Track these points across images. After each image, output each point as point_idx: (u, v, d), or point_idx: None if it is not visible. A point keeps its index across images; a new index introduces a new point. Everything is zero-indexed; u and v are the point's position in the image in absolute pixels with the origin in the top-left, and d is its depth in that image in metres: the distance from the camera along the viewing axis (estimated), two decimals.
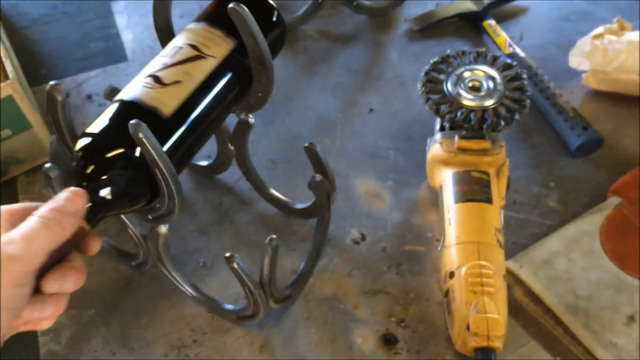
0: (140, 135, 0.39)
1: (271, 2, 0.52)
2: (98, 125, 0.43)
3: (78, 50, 0.81)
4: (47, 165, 0.48)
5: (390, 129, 0.71)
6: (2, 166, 0.64)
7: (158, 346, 0.55)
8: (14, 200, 0.65)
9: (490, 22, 0.79)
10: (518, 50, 0.75)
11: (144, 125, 0.39)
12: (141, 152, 0.40)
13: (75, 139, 0.43)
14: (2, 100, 0.59)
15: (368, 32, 0.81)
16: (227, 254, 0.47)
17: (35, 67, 0.78)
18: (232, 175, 0.65)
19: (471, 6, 0.81)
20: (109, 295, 0.58)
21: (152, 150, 0.39)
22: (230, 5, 0.45)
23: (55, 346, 0.55)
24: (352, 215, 0.63)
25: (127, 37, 0.81)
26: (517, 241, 0.60)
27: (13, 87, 0.59)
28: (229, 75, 0.49)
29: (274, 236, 0.48)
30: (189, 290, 0.55)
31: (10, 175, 0.66)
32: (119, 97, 0.45)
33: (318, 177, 0.53)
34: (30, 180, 0.66)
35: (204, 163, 0.65)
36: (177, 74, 0.45)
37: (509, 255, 0.56)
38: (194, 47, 0.47)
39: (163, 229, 0.49)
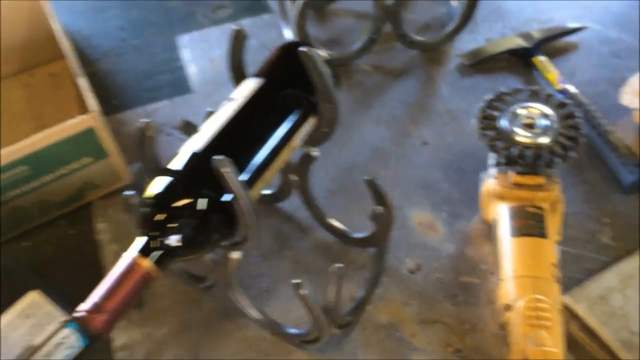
0: (223, 169, 0.42)
1: (326, 54, 0.56)
2: (172, 174, 0.47)
3: (147, 82, 0.86)
4: (128, 192, 0.52)
5: (443, 161, 0.73)
6: (80, 191, 0.69)
7: None
8: (89, 222, 0.70)
9: (541, 58, 0.81)
10: (569, 87, 0.76)
11: (227, 160, 0.43)
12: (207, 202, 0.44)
13: (157, 172, 0.47)
14: (84, 132, 0.64)
15: (420, 67, 0.84)
16: (295, 281, 0.50)
17: (107, 97, 0.83)
18: (291, 203, 0.69)
19: (521, 42, 0.83)
20: (179, 315, 0.62)
21: (233, 183, 0.43)
22: (302, 48, 0.49)
23: None
24: (406, 245, 0.66)
25: (192, 70, 0.86)
26: (572, 276, 0.61)
27: (95, 120, 0.64)
28: (297, 115, 0.52)
29: (341, 265, 0.50)
30: (254, 314, 0.58)
31: (86, 199, 0.70)
32: (193, 148, 0.48)
33: (379, 209, 0.56)
34: (105, 204, 0.71)
35: (267, 192, 0.68)
36: None
37: (565, 290, 0.58)
38: None
39: (235, 254, 0.52)
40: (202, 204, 0.46)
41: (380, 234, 0.59)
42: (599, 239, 0.65)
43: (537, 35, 0.83)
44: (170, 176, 0.47)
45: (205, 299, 0.63)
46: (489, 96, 0.65)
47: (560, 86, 0.77)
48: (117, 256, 0.44)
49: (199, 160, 0.47)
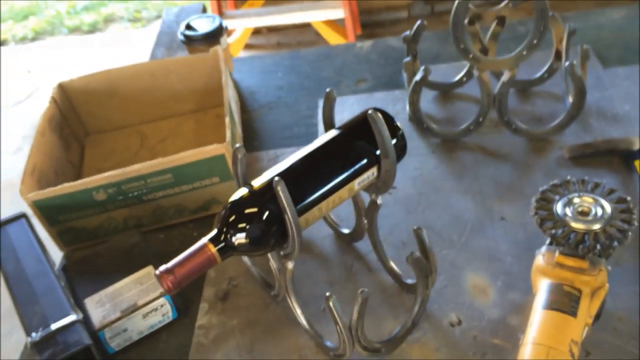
0: (278, 187, 0.56)
1: (398, 124, 0.67)
2: (250, 188, 0.61)
3: (285, 131, 1.04)
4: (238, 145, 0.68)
5: (514, 238, 0.79)
6: (207, 204, 0.87)
7: (272, 358, 0.70)
8: (210, 229, 0.87)
9: None
10: None
11: (282, 182, 0.56)
12: (267, 214, 0.58)
13: (242, 184, 0.62)
14: (217, 157, 0.82)
15: (522, 153, 0.91)
16: (328, 293, 0.61)
17: (252, 138, 1.03)
18: (367, 245, 0.79)
19: (628, 144, 0.86)
20: (251, 313, 0.75)
21: (284, 200, 0.56)
22: (370, 111, 0.62)
23: (204, 340, 0.74)
24: (455, 302, 0.72)
25: (321, 127, 1.02)
26: None
27: (226, 149, 0.82)
28: (362, 163, 0.64)
29: (366, 289, 0.60)
30: (304, 322, 0.70)
31: (211, 211, 0.89)
32: (272, 173, 0.63)
33: (417, 254, 0.64)
34: None
35: (346, 231, 0.80)
36: None
37: None
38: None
39: (290, 264, 0.65)
40: (264, 214, 0.60)
41: (418, 279, 0.67)
42: None
43: None
44: (249, 190, 0.62)
45: (273, 306, 0.76)
46: (554, 181, 0.70)
47: None
48: None
49: (271, 182, 0.61)
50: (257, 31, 2.84)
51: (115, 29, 3.36)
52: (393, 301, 0.74)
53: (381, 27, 2.80)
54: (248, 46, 2.80)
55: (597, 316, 0.65)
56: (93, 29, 3.37)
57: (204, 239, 0.60)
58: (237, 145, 0.64)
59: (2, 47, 3.36)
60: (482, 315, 0.71)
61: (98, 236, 0.86)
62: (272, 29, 2.89)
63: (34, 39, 3.38)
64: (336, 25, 2.60)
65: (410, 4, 2.75)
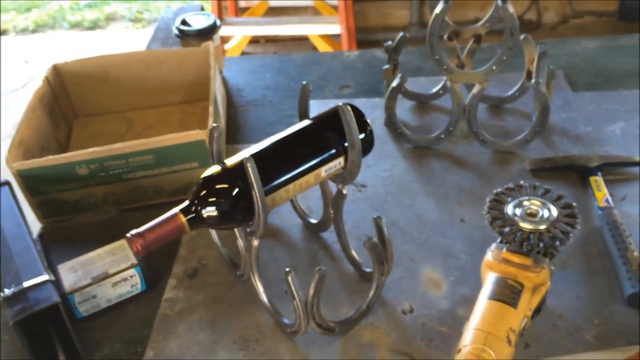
0: (248, 164, 0.61)
1: (368, 121, 0.72)
2: (223, 165, 0.66)
3: (268, 128, 1.08)
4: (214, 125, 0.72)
5: (471, 238, 0.83)
6: (185, 187, 0.91)
7: (232, 334, 0.74)
8: None
9: (597, 178, 0.88)
10: (612, 205, 0.83)
11: (252, 160, 0.61)
12: (236, 191, 0.63)
13: (216, 162, 0.67)
14: (197, 142, 0.87)
15: (486, 163, 0.96)
16: (287, 269, 0.65)
17: (235, 131, 1.08)
18: (333, 236, 0.84)
19: (585, 161, 0.91)
20: (216, 290, 0.79)
21: (252, 177, 0.61)
22: (340, 103, 0.66)
23: (169, 311, 0.77)
24: (410, 292, 0.77)
25: None
26: (540, 355, 0.68)
27: (206, 135, 0.86)
28: (330, 152, 0.69)
29: (323, 267, 0.64)
30: (264, 299, 0.74)
31: (187, 195, 0.92)
32: (244, 154, 0.67)
33: (374, 240, 0.69)
34: None
35: (314, 221, 0.85)
36: None
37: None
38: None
39: (255, 242, 0.69)
40: (234, 191, 0.64)
41: (374, 265, 0.71)
42: (582, 335, 0.70)
43: (599, 160, 0.90)
44: (221, 167, 0.66)
45: (238, 285, 0.80)
46: (508, 185, 0.75)
47: (604, 204, 0.83)
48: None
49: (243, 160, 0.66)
50: (254, 40, 2.90)
51: (116, 28, 3.42)
52: (351, 288, 0.78)
53: (376, 45, 2.86)
54: (244, 54, 2.85)
55: (538, 310, 0.70)
56: (94, 26, 3.42)
57: (175, 209, 0.64)
58: (214, 124, 0.69)
59: (2, 37, 3.40)
60: (433, 305, 0.75)
61: (77, 210, 0.90)
62: (269, 40, 2.95)
63: (34, 31, 3.42)
64: (332, 40, 2.67)
65: (406, 25, 2.82)
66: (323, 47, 2.65)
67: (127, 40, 3.26)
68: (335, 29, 2.49)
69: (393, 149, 1.00)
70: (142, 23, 3.42)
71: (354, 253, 0.79)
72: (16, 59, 3.16)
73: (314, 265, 0.81)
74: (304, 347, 0.71)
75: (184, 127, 1.07)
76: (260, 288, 0.74)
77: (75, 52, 3.10)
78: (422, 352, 0.70)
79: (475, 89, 0.92)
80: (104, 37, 3.32)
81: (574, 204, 0.72)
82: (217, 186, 0.65)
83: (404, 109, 1.08)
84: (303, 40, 2.83)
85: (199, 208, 0.64)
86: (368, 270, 0.77)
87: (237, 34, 2.66)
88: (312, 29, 2.56)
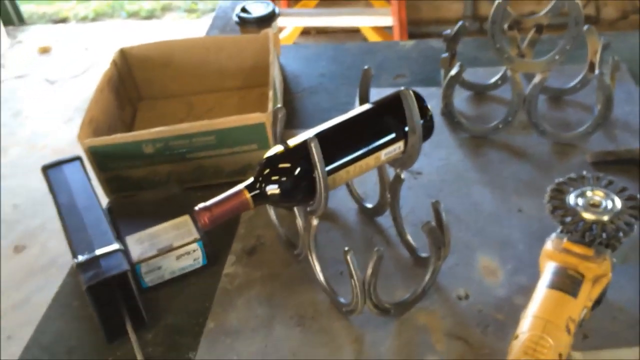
0: (312, 144, 0.62)
1: (429, 106, 0.73)
2: (286, 145, 0.67)
3: (324, 114, 1.10)
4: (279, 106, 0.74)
5: (529, 228, 0.83)
6: (244, 168, 0.94)
7: (288, 310, 0.76)
8: None
9: None
10: None
11: (316, 140, 0.62)
12: (298, 170, 0.64)
13: (279, 142, 0.69)
14: (258, 124, 0.89)
15: (546, 155, 0.95)
16: (346, 248, 0.66)
17: (292, 117, 1.10)
18: (388, 221, 0.84)
19: None
20: (274, 267, 0.81)
21: (316, 157, 0.62)
22: (402, 88, 0.67)
23: (229, 286, 0.80)
24: (465, 279, 0.77)
25: None
26: (598, 344, 0.67)
27: (267, 118, 0.89)
28: (391, 136, 0.70)
29: (381, 248, 0.65)
30: (321, 279, 0.75)
31: (246, 176, 0.94)
32: (307, 134, 0.69)
33: (432, 224, 0.69)
34: None
35: (370, 206, 0.86)
36: None
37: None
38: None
39: (314, 221, 0.71)
40: (296, 170, 0.66)
41: (431, 249, 0.71)
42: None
43: None
44: (284, 147, 0.68)
45: (295, 264, 0.81)
46: (570, 175, 0.75)
47: None
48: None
49: (306, 142, 0.67)
50: (306, 32, 2.92)
51: (171, 18, 3.49)
52: (406, 272, 0.79)
53: (427, 38, 2.85)
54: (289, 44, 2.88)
55: (598, 302, 0.69)
56: (150, 15, 3.51)
57: (241, 185, 0.66)
58: (278, 106, 0.71)
59: (63, 25, 3.53)
60: (489, 292, 0.75)
61: (141, 187, 0.93)
62: (320, 31, 2.97)
63: (93, 20, 3.54)
64: (384, 32, 2.66)
65: (459, 18, 2.79)
66: (374, 39, 2.65)
67: (182, 30, 3.33)
68: (388, 21, 2.48)
69: (449, 138, 1.00)
70: (197, 14, 3.49)
71: (409, 238, 0.80)
72: (77, 46, 3.28)
73: (369, 249, 0.82)
74: (359, 327, 0.73)
75: (242, 112, 1.09)
76: (317, 267, 0.75)
77: (132, 40, 3.19)
78: (478, 338, 0.70)
79: (537, 79, 0.91)
80: (160, 27, 3.40)
81: (639, 196, 0.71)
82: (280, 165, 0.67)
83: (460, 99, 1.08)
84: (354, 32, 2.83)
85: (263, 185, 0.66)
86: (423, 255, 0.78)
87: (289, 25, 2.68)
88: (364, 21, 2.57)
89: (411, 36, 2.75)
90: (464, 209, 0.87)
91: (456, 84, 0.97)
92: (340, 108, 1.11)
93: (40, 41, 3.33)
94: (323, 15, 2.56)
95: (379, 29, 2.64)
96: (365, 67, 0.75)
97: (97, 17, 3.55)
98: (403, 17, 2.54)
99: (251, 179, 0.67)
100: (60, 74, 3.03)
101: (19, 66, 3.15)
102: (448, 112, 0.99)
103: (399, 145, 0.72)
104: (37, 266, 2.04)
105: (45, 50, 3.25)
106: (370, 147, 0.70)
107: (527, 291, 0.74)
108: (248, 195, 0.65)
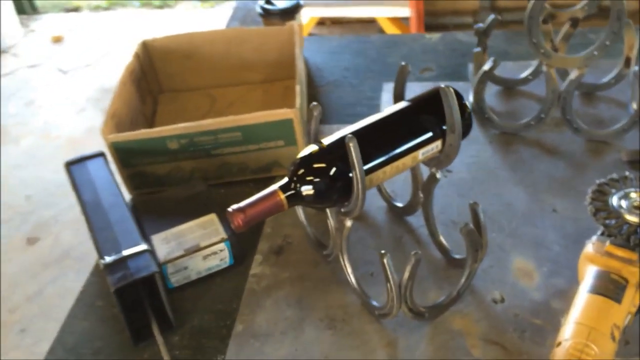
0: (351, 144, 0.60)
1: (467, 104, 0.70)
2: (320, 145, 0.65)
3: (348, 109, 1.08)
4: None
5: (564, 229, 0.81)
6: (269, 165, 0.92)
7: (318, 311, 0.74)
8: None
9: None
10: None
11: (355, 139, 0.60)
12: (334, 171, 0.62)
13: (315, 142, 0.66)
14: (285, 120, 0.87)
15: (579, 152, 0.92)
16: (383, 251, 0.64)
17: None
18: (418, 220, 0.82)
19: None
20: (302, 268, 0.79)
21: (354, 156, 0.60)
22: (442, 85, 0.65)
23: (256, 287, 0.78)
24: (500, 281, 0.75)
25: (383, 108, 1.06)
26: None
27: (295, 114, 0.86)
28: (428, 135, 0.68)
29: (419, 252, 0.63)
30: (353, 281, 0.73)
31: (271, 174, 0.93)
32: (342, 133, 0.67)
33: (470, 226, 0.67)
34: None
35: (400, 205, 0.83)
36: None
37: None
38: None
39: (348, 222, 0.69)
40: (332, 170, 0.64)
41: (468, 252, 0.69)
42: None
43: None
44: (319, 147, 0.66)
45: (323, 265, 0.79)
46: (612, 175, 0.72)
47: None
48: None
49: (342, 141, 0.65)
50: (320, 22, 2.89)
51: (184, 7, 3.47)
52: (439, 274, 0.77)
53: (445, 30, 2.81)
54: (311, 36, 2.85)
55: None
56: (163, 4, 3.48)
57: (275, 186, 0.64)
58: (314, 103, 0.68)
59: (76, 14, 3.51)
60: (525, 296, 0.73)
61: (164, 183, 0.92)
62: (336, 22, 2.93)
63: (106, 9, 3.51)
64: (401, 23, 2.63)
65: (476, 10, 2.75)
66: (391, 29, 2.61)
67: (195, 19, 3.30)
68: (405, 11, 2.45)
69: (479, 134, 0.98)
70: (211, 3, 3.46)
71: (442, 239, 0.78)
72: (90, 36, 3.26)
73: (399, 249, 0.81)
74: (391, 330, 0.71)
75: (265, 106, 1.07)
76: (348, 268, 0.73)
77: (145, 30, 3.17)
78: (515, 343, 0.68)
79: (573, 75, 0.89)
80: (174, 16, 3.37)
81: None
82: (315, 165, 0.64)
83: (490, 94, 1.05)
84: (370, 22, 2.80)
85: (298, 186, 0.64)
86: (457, 256, 0.76)
87: (305, 15, 2.65)
88: (381, 11, 2.53)
89: (427, 27, 2.71)
90: (496, 209, 0.85)
91: (488, 80, 0.95)
92: (365, 103, 1.08)
93: (53, 30, 3.32)
94: (340, 5, 2.52)
95: (395, 20, 2.61)
96: (402, 63, 0.72)
97: (110, 6, 3.53)
98: (420, 8, 2.50)
99: (285, 179, 0.64)
100: (73, 63, 3.02)
101: (32, 55, 3.14)
102: (479, 108, 0.96)
103: (437, 144, 0.69)
104: (50, 258, 2.03)
105: (58, 40, 3.24)
106: (408, 146, 0.67)
107: (565, 295, 0.72)
108: (282, 196, 0.63)
